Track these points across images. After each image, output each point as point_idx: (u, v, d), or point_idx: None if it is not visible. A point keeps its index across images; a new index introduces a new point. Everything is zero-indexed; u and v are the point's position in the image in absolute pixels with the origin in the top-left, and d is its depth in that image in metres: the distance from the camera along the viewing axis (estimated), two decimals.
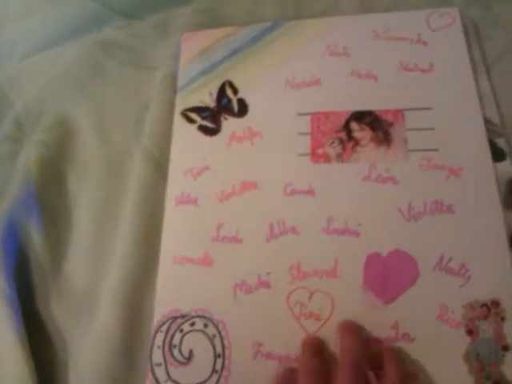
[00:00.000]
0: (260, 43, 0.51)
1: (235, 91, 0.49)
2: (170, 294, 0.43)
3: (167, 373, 0.40)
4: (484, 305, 0.38)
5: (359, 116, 0.46)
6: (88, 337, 0.42)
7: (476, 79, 0.45)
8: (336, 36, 0.49)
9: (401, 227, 0.42)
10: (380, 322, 0.39)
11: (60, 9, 0.55)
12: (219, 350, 0.40)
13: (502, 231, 0.40)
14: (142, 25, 0.55)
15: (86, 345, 0.42)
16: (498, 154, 0.43)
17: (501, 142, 0.43)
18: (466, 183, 0.42)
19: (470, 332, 0.38)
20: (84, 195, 0.48)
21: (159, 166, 0.47)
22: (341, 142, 0.45)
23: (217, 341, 0.41)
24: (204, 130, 0.48)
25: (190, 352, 0.41)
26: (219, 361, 0.40)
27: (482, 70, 0.46)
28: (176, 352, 0.41)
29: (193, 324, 0.41)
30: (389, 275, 0.40)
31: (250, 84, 0.49)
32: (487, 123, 0.44)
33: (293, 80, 0.48)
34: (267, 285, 0.41)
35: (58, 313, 0.44)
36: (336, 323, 0.40)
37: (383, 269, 0.41)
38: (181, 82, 0.51)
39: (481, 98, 0.45)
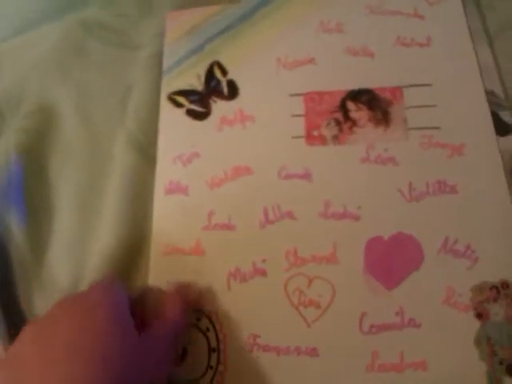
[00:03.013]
0: (249, 21, 0.48)
1: (224, 72, 0.47)
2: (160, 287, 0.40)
3: None
4: (493, 287, 0.36)
5: (356, 95, 0.43)
6: None
7: (477, 51, 0.43)
8: (329, 12, 0.47)
9: (402, 209, 0.39)
10: (384, 308, 0.37)
11: None
12: (214, 344, 0.38)
13: (509, 210, 0.38)
14: (126, 3, 0.53)
15: None
16: (502, 128, 0.41)
17: (505, 115, 0.41)
18: (469, 161, 0.40)
19: (479, 315, 0.36)
20: (66, 183, 0.45)
21: (144, 151, 0.45)
22: (337, 122, 0.43)
23: (211, 334, 0.38)
24: (193, 114, 0.46)
25: (184, 349, 0.38)
26: (214, 356, 0.38)
27: (484, 42, 0.44)
28: None
29: None
30: (391, 259, 0.38)
31: (239, 64, 0.47)
32: (490, 95, 0.41)
33: (285, 59, 0.46)
34: (263, 272, 0.39)
35: (41, 308, 0.41)
36: (337, 311, 0.37)
37: (385, 253, 0.39)
38: (166, 64, 0.48)
39: (483, 70, 0.42)
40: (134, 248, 0.42)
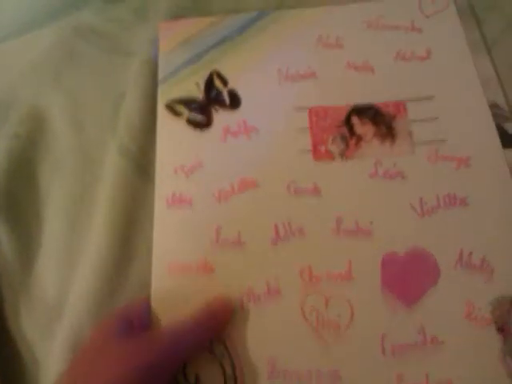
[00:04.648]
0: (247, 33, 0.47)
1: (224, 82, 0.45)
2: (166, 308, 0.37)
3: None
4: None
5: (360, 110, 0.43)
6: (59, 350, 0.38)
7: (477, 63, 0.44)
8: (327, 26, 0.46)
9: (415, 224, 0.39)
10: (405, 327, 0.36)
11: None
12: (229, 371, 0.36)
13: None
14: (121, 8, 0.52)
15: (57, 358, 0.38)
16: (508, 140, 0.41)
17: (510, 127, 0.41)
18: (476, 173, 0.40)
19: (501, 329, 0.35)
20: (56, 193, 0.44)
21: (136, 162, 0.43)
22: (343, 138, 0.42)
23: (226, 361, 0.36)
24: (194, 123, 0.43)
25: (197, 377, 0.35)
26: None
27: (484, 53, 0.44)
28: (181, 379, 0.35)
29: None
30: (408, 275, 0.37)
31: (240, 75, 0.45)
32: (494, 108, 0.42)
33: (286, 72, 0.45)
34: (278, 292, 0.37)
35: (28, 324, 0.40)
36: (357, 331, 0.36)
37: (402, 269, 0.38)
38: (162, 73, 0.46)
39: (484, 82, 0.43)
40: (123, 259, 0.40)
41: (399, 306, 0.36)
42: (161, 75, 0.46)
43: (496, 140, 0.41)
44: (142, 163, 0.43)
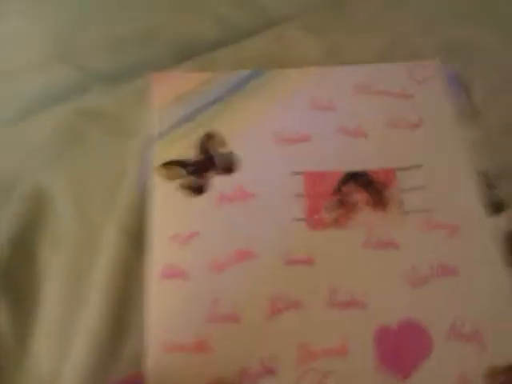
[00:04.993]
0: (242, 92, 0.47)
1: (220, 143, 0.45)
2: None
3: None
4: (507, 369, 0.36)
5: (352, 178, 0.43)
6: None
7: (465, 129, 0.45)
8: (319, 87, 0.48)
9: (408, 294, 0.39)
10: None
11: (44, 76, 0.53)
12: None
13: (509, 290, 0.39)
14: (124, 90, 0.52)
15: None
16: (496, 207, 0.42)
17: (498, 194, 0.42)
18: (465, 242, 0.41)
19: None
20: (54, 270, 0.44)
21: (135, 239, 0.43)
22: (337, 205, 0.42)
23: None
24: (189, 188, 0.43)
25: None
26: None
27: (472, 119, 0.46)
28: None
29: None
30: (402, 349, 0.38)
31: (235, 136, 0.45)
32: (481, 175, 0.43)
33: (281, 135, 0.45)
34: (272, 371, 0.37)
35: None
36: None
37: (396, 342, 0.38)
38: (157, 129, 0.46)
39: (472, 149, 0.44)
40: (117, 335, 0.40)
41: (393, 380, 0.37)
42: (155, 132, 0.46)
43: (481, 209, 0.42)
44: (140, 239, 0.43)
